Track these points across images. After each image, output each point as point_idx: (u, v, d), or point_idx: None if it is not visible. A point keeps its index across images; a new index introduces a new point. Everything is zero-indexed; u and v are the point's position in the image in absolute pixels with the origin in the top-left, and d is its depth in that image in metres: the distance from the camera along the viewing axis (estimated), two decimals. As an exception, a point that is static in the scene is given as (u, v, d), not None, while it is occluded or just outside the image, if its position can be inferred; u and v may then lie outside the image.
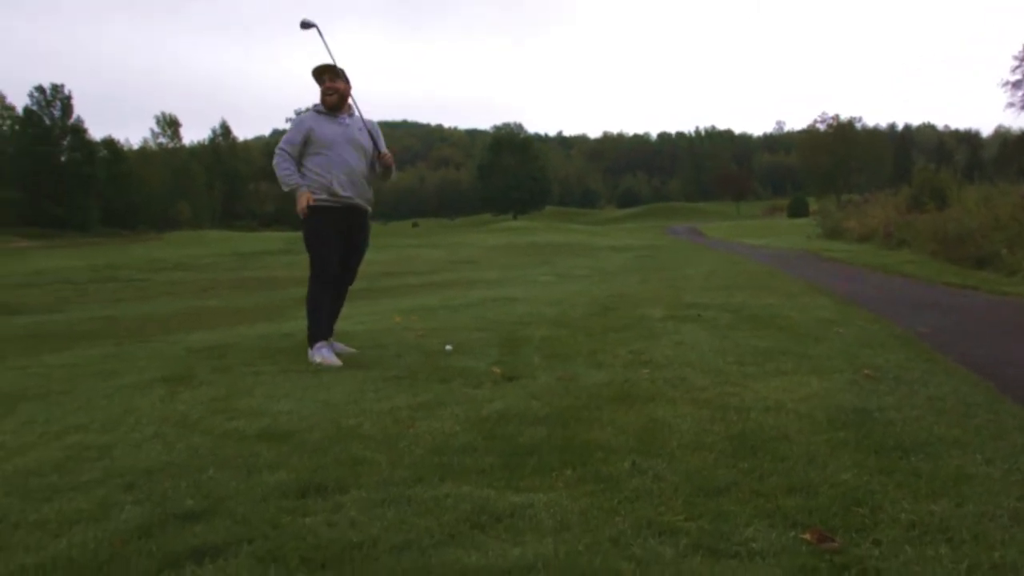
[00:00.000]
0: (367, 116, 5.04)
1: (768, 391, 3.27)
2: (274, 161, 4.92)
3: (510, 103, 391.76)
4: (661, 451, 2.42)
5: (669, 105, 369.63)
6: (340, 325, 5.23)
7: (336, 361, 4.58)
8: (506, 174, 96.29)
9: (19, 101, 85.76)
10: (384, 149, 5.04)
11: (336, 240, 4.87)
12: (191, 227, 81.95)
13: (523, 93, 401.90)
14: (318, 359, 4.60)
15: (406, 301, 9.15)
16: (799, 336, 4.89)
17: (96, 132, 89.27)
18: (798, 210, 64.07)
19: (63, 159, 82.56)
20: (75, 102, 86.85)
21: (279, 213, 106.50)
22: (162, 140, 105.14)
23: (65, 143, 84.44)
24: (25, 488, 2.40)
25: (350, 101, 5.01)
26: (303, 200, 4.79)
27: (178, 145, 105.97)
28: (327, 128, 4.90)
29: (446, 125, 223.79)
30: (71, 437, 3.01)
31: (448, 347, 4.93)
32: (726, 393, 3.23)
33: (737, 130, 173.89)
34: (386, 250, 27.66)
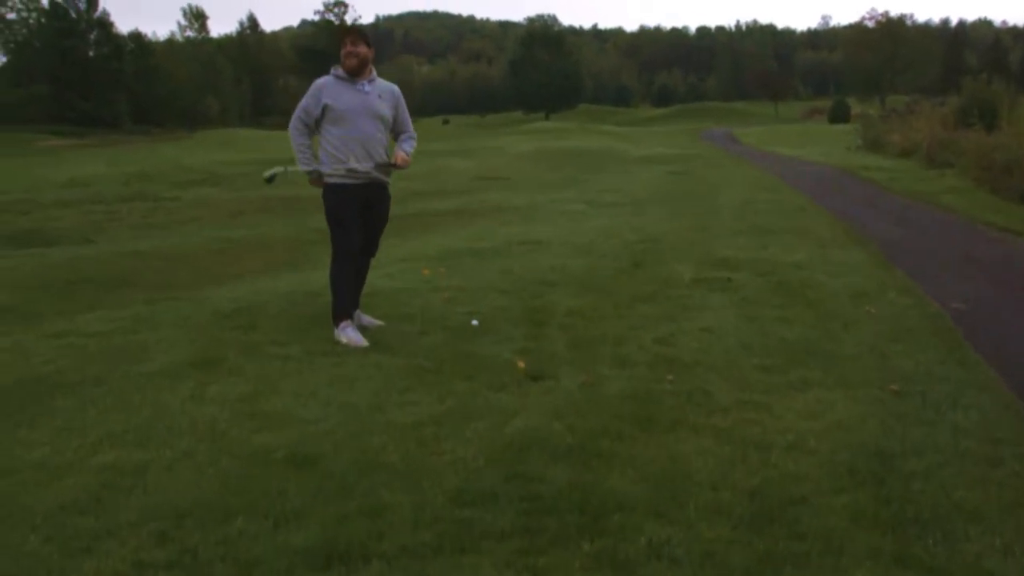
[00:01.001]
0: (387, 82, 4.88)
1: (791, 417, 3.25)
2: (289, 128, 4.86)
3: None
4: (679, 516, 2.43)
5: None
6: (369, 275, 5.21)
7: (361, 341, 4.61)
8: (538, 70, 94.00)
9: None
10: (405, 148, 4.90)
11: (355, 216, 4.82)
12: (220, 124, 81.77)
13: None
14: (343, 339, 4.64)
15: (435, 239, 9.12)
16: (828, 319, 4.83)
17: (123, 26, 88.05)
18: (839, 115, 61.81)
19: (90, 53, 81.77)
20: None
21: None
22: (189, 34, 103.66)
23: (92, 37, 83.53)
24: (64, 532, 2.49)
25: (374, 73, 4.86)
26: (315, 184, 4.81)
27: (205, 38, 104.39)
28: (345, 96, 4.76)
29: (478, 16, 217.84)
30: (106, 455, 3.09)
31: (474, 322, 4.94)
32: (748, 420, 3.22)
33: (779, 25, 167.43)
34: (418, 159, 27.37)
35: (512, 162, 24.21)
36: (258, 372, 4.09)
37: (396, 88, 4.93)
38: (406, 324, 5.01)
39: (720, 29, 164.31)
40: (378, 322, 5.03)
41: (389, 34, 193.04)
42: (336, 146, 4.74)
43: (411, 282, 6.43)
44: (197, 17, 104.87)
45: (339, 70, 4.81)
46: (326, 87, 4.83)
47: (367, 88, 4.78)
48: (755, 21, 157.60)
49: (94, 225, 12.16)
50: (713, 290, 5.73)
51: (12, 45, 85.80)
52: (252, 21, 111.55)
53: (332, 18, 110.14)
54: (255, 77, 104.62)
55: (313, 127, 4.83)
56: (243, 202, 14.71)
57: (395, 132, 4.94)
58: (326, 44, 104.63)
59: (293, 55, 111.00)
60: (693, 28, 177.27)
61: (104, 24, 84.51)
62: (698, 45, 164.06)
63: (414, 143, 5.02)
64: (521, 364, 4.04)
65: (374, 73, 4.86)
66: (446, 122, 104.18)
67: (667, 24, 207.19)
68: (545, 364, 4.05)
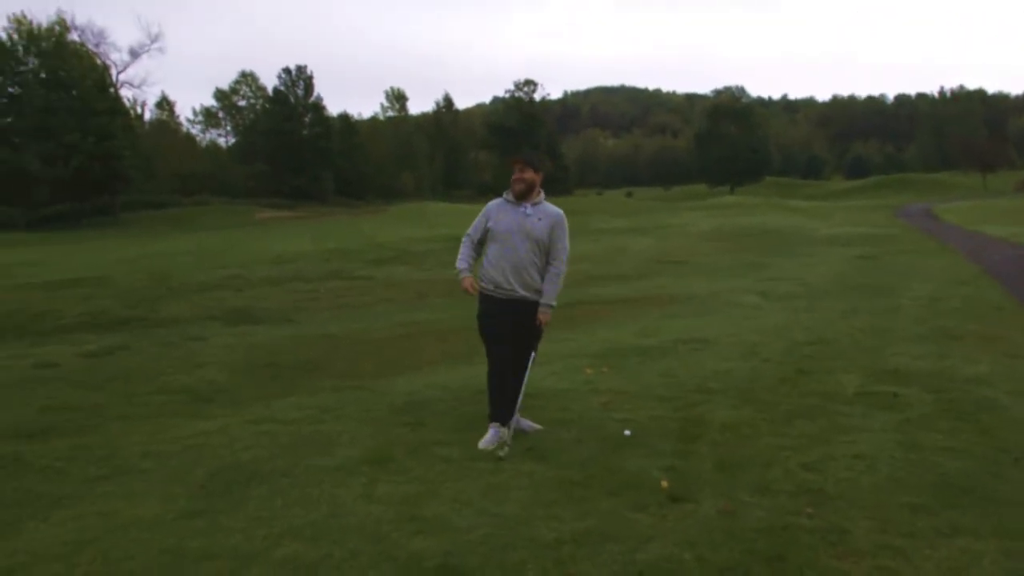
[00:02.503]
0: (548, 208, 5.19)
1: (930, 569, 3.17)
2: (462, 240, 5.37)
3: (732, 64, 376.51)
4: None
5: (908, 63, 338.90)
6: (535, 373, 5.48)
7: (489, 444, 4.96)
8: (724, 143, 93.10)
9: (269, 82, 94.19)
10: (558, 265, 5.16)
11: (501, 327, 5.15)
12: (415, 197, 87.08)
13: (746, 54, 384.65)
14: (480, 445, 4.99)
15: (602, 333, 9.38)
16: (999, 451, 4.58)
17: (333, 108, 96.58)
18: (1059, 185, 56.41)
19: (304, 134, 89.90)
20: (315, 80, 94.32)
21: (495, 182, 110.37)
22: (390, 113, 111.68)
23: (307, 119, 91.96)
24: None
25: (541, 197, 5.23)
26: (463, 285, 5.22)
27: (404, 117, 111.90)
28: (505, 217, 5.19)
29: (664, 89, 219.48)
30: (287, 547, 3.55)
31: (627, 432, 5.12)
32: (883, 569, 3.17)
33: (990, 89, 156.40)
34: (598, 237, 27.93)
35: (691, 242, 24.15)
36: (422, 474, 4.48)
37: (559, 213, 5.22)
38: (563, 430, 5.26)
39: (921, 96, 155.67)
40: (536, 426, 5.31)
41: (576, 109, 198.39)
42: (490, 262, 5.18)
43: (574, 382, 6.70)
44: (398, 98, 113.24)
45: (508, 194, 5.24)
46: (492, 209, 5.29)
47: (528, 211, 5.16)
48: (961, 87, 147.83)
49: (295, 304, 13.41)
50: (876, 408, 5.57)
51: (241, 128, 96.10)
52: (447, 100, 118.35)
53: (522, 96, 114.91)
54: (448, 152, 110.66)
55: (478, 246, 5.29)
56: (429, 284, 15.68)
57: (548, 258, 5.19)
58: (515, 121, 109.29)
59: (484, 131, 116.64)
60: (891, 96, 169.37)
61: (317, 107, 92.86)
62: (896, 114, 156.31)
63: (559, 280, 5.19)
64: (665, 484, 4.17)
65: (541, 196, 5.24)
66: (629, 195, 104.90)
67: (862, 93, 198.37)
68: (689, 484, 4.16)
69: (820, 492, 3.99)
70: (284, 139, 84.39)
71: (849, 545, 3.41)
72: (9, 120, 56.59)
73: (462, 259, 5.31)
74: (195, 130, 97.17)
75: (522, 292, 5.11)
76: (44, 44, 58.48)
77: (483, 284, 5.23)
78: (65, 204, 61.56)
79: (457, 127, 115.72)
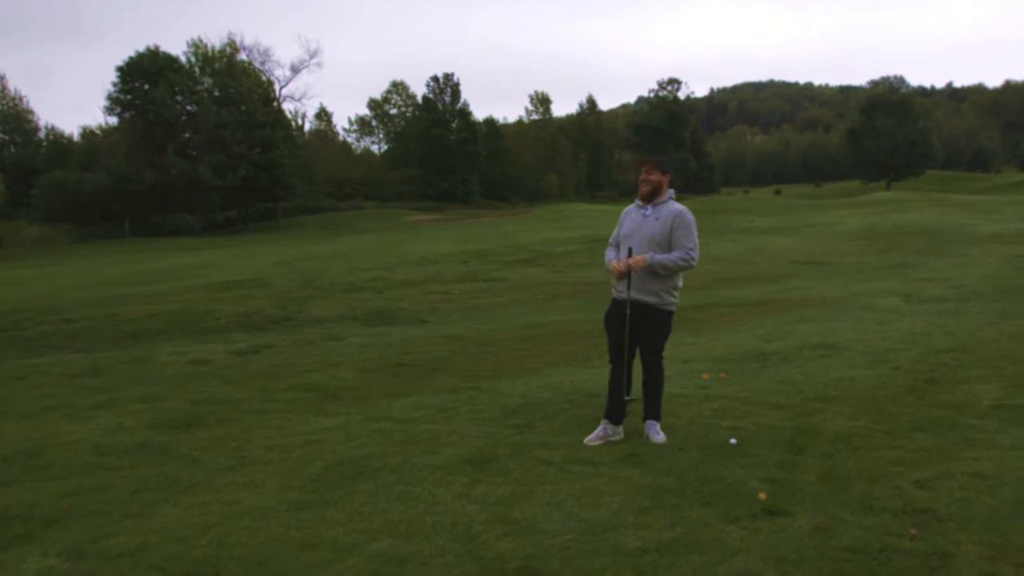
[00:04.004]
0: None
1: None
2: None
3: (890, 53, 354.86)
4: None
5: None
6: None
7: (596, 440, 5.17)
8: (880, 137, 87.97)
9: (419, 90, 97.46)
10: (683, 243, 5.05)
11: (621, 326, 5.19)
12: (559, 198, 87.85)
13: (906, 41, 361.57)
14: (587, 440, 5.16)
15: (725, 337, 9.17)
16: None
17: (479, 113, 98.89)
18: None
19: (452, 139, 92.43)
20: (463, 87, 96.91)
21: (639, 183, 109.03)
22: (535, 116, 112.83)
23: (454, 124, 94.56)
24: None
25: (666, 196, 5.21)
26: (611, 268, 5.24)
27: (548, 120, 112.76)
28: (630, 219, 5.28)
29: (816, 83, 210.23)
30: (381, 542, 3.75)
31: (733, 441, 5.03)
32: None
33: None
34: (737, 237, 27.14)
35: (836, 242, 23.04)
36: (521, 475, 4.58)
37: (680, 209, 5.14)
38: (669, 436, 5.23)
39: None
40: (662, 438, 5.21)
41: (723, 106, 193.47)
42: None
43: (688, 387, 6.62)
44: (542, 101, 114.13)
45: (637, 198, 5.29)
46: (625, 213, 5.36)
47: (649, 211, 5.18)
48: None
49: (430, 306, 13.88)
50: (1012, 422, 5.18)
51: (392, 135, 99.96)
52: (591, 102, 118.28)
53: (666, 94, 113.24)
54: (592, 154, 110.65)
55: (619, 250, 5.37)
56: (560, 285, 15.81)
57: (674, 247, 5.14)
58: (660, 120, 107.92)
59: (627, 132, 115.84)
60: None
61: (464, 113, 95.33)
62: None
63: (682, 256, 5.05)
64: (763, 495, 4.08)
65: (667, 196, 5.22)
66: (778, 192, 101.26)
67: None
68: (788, 497, 4.05)
69: (929, 512, 3.78)
70: (432, 144, 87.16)
71: (950, 572, 3.22)
72: (187, 135, 61.47)
73: (608, 259, 5.41)
74: (351, 138, 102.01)
75: (638, 296, 5.13)
76: (217, 64, 63.18)
77: (615, 287, 5.32)
78: (233, 211, 66.51)
79: (601, 128, 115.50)
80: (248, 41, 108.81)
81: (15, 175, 60.52)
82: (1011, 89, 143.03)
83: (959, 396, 5.88)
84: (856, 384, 6.38)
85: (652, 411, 5.32)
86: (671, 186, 5.26)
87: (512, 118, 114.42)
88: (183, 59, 61.49)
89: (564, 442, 5.21)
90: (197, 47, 62.41)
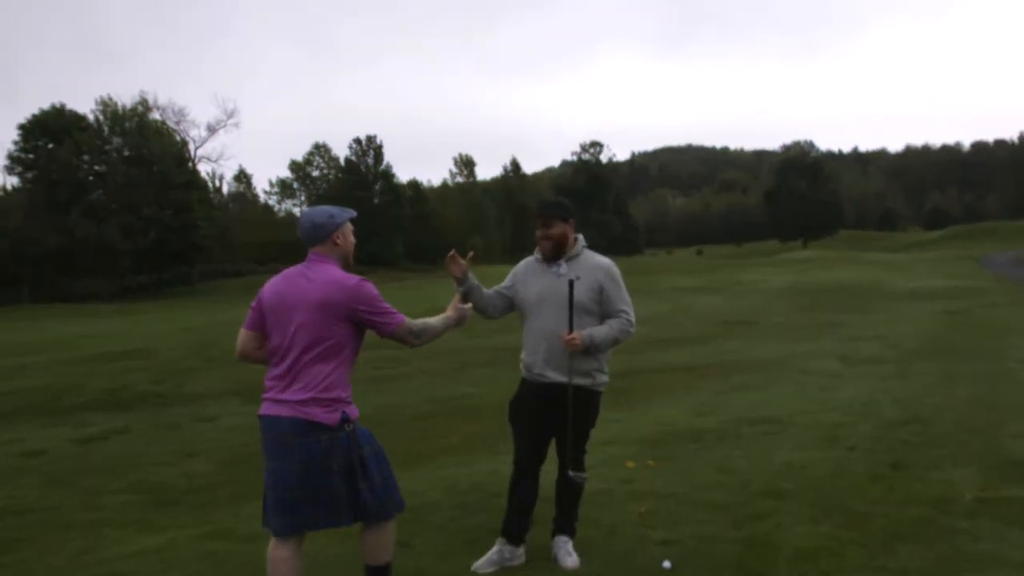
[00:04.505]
0: (585, 265, 3.95)
1: None
2: None
3: (800, 119, 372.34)
4: None
5: (984, 109, 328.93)
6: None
7: (486, 568, 3.93)
8: (795, 198, 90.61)
9: (341, 152, 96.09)
10: (598, 330, 3.88)
11: (533, 419, 4.00)
12: (484, 261, 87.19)
13: (814, 108, 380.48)
14: (474, 566, 3.94)
15: (653, 410, 8.05)
16: None
17: (403, 175, 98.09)
18: None
19: (376, 201, 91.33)
20: (386, 150, 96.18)
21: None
22: (459, 179, 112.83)
23: (377, 187, 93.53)
24: None
25: (578, 247, 4.03)
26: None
27: (473, 183, 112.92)
28: (534, 282, 4.04)
29: (732, 147, 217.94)
30: None
31: (666, 564, 3.84)
32: None
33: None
34: (663, 296, 26.51)
35: (763, 300, 22.53)
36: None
37: (605, 263, 4.02)
38: (586, 555, 4.00)
39: (1000, 143, 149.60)
40: (575, 563, 3.98)
41: (644, 169, 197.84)
42: (525, 342, 4.04)
43: (610, 479, 5.42)
44: (466, 164, 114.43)
45: (538, 252, 4.12)
46: (519, 270, 4.18)
47: (562, 270, 3.98)
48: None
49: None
50: (1008, 522, 4.14)
51: (315, 198, 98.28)
52: (515, 165, 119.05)
53: (589, 157, 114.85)
54: (516, 216, 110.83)
55: (496, 296, 4.17)
56: (475, 351, 14.56)
57: (605, 315, 3.96)
58: (583, 183, 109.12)
59: (552, 194, 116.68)
60: (967, 144, 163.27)
61: (387, 175, 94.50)
62: (974, 162, 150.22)
63: (622, 327, 3.93)
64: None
65: (578, 247, 4.05)
66: (700, 252, 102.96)
67: (936, 142, 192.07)
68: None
69: None
70: (356, 207, 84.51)
71: None
72: (94, 196, 58.64)
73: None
74: (272, 200, 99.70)
75: (558, 377, 3.90)
76: (128, 124, 60.81)
77: (524, 369, 4.09)
78: (146, 275, 63.38)
79: (525, 191, 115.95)
80: (162, 100, 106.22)
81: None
82: (912, 153, 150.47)
83: (933, 487, 4.83)
84: (810, 472, 5.29)
85: (566, 524, 4.11)
86: (576, 232, 4.12)
87: (436, 180, 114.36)
88: (91, 117, 59.05)
89: (447, 571, 3.93)
90: (106, 105, 60.05)
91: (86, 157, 57.71)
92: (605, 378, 4.05)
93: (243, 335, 3.39)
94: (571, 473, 4.01)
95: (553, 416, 3.96)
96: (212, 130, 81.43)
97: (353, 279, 3.26)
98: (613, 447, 6.40)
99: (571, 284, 3.84)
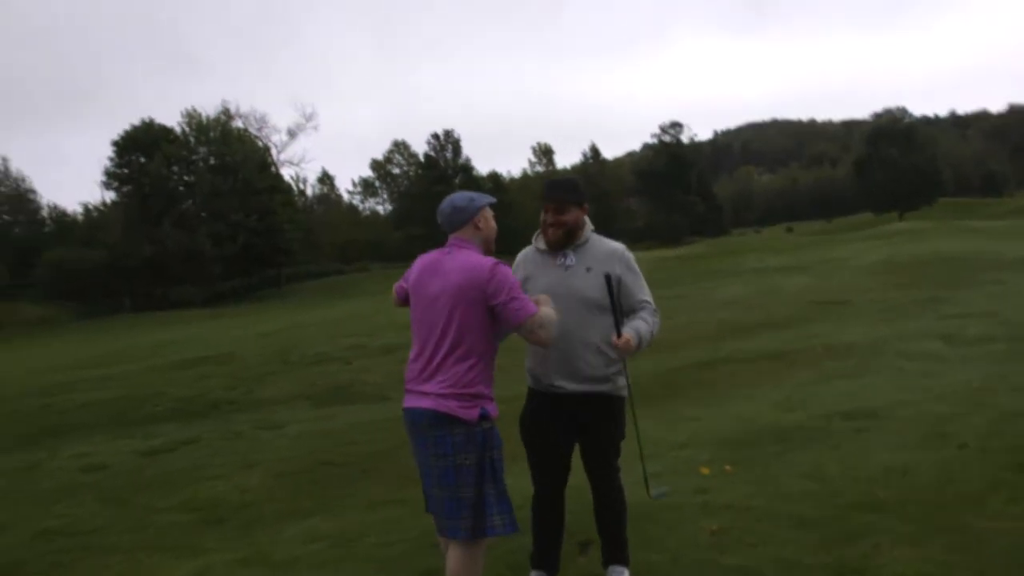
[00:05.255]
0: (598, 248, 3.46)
1: None
2: None
3: (891, 86, 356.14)
4: None
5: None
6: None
7: None
8: (887, 168, 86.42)
9: (420, 148, 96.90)
10: (638, 297, 3.44)
11: (550, 439, 3.50)
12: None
13: (905, 73, 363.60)
14: None
15: (735, 406, 7.39)
16: None
17: (482, 167, 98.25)
18: None
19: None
20: (464, 143, 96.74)
21: (649, 228, 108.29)
22: (538, 168, 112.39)
23: (456, 181, 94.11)
24: None
25: (587, 233, 3.56)
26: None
27: (552, 171, 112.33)
28: (538, 276, 3.52)
29: (819, 119, 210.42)
30: None
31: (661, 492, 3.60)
32: None
33: None
34: (747, 278, 25.41)
35: (855, 277, 21.23)
36: None
37: (618, 249, 3.52)
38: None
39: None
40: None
41: (728, 147, 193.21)
42: (530, 348, 3.51)
43: (682, 490, 4.84)
44: (545, 153, 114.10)
45: (539, 239, 3.61)
46: (523, 262, 3.67)
47: (571, 260, 3.48)
48: None
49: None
50: None
51: (396, 195, 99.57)
52: (594, 151, 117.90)
53: (668, 139, 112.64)
54: (597, 202, 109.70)
55: None
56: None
57: (625, 312, 3.48)
58: (664, 165, 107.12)
59: (632, 178, 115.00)
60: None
61: (467, 169, 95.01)
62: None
63: (655, 320, 3.46)
64: None
65: (587, 233, 3.54)
66: (789, 230, 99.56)
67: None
68: None
69: None
70: (435, 202, 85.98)
71: None
72: (184, 206, 60.70)
73: None
74: (356, 200, 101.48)
75: (572, 386, 3.40)
76: (212, 133, 62.71)
77: (528, 376, 3.62)
78: (236, 280, 65.22)
79: (605, 176, 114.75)
80: (244, 108, 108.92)
81: (19, 255, 59.90)
82: (1016, 112, 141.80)
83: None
84: (913, 478, 4.60)
85: (616, 553, 3.59)
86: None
87: (515, 171, 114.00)
88: (178, 129, 61.08)
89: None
90: (191, 117, 62.08)
91: (175, 168, 59.79)
92: (625, 380, 3.51)
93: (395, 300, 3.50)
94: (652, 494, 3.62)
95: (572, 431, 3.49)
96: (292, 134, 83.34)
97: (489, 261, 3.14)
98: (687, 451, 5.82)
99: (608, 279, 3.38)
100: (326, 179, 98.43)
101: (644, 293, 3.49)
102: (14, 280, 57.88)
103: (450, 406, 3.07)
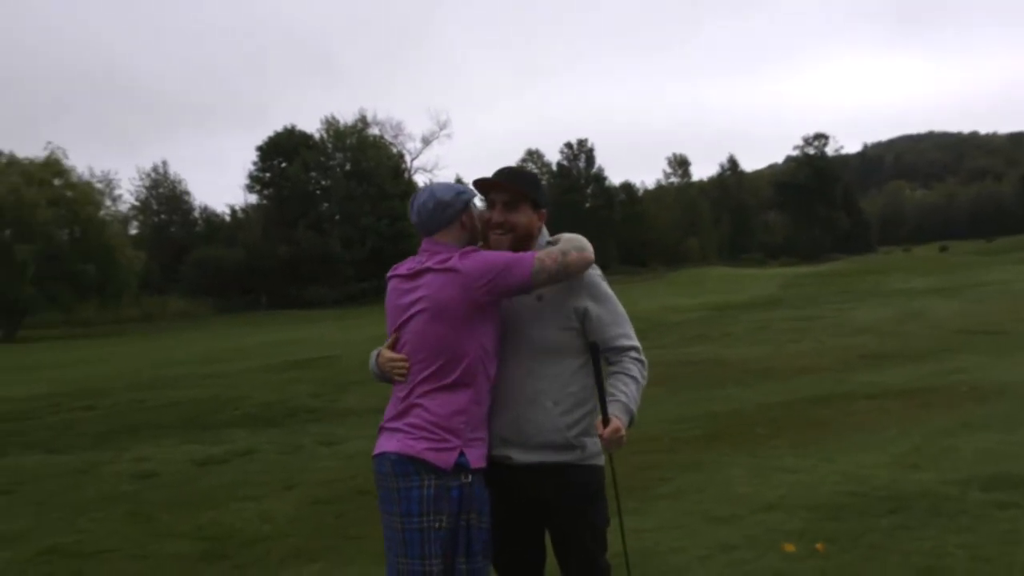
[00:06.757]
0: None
1: None
2: None
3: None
4: None
5: None
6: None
7: None
8: (1062, 185, 78.86)
9: (553, 157, 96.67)
10: (613, 334, 2.52)
11: (510, 525, 2.56)
12: (702, 262, 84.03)
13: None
14: None
15: (845, 455, 6.14)
16: None
17: (615, 177, 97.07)
18: None
19: (587, 205, 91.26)
20: (596, 153, 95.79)
21: (787, 243, 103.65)
22: (673, 179, 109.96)
23: (589, 191, 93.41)
24: None
25: (539, 246, 2.58)
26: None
27: (688, 183, 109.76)
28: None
29: (981, 131, 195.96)
30: None
31: None
32: None
33: None
34: (888, 300, 23.28)
35: (1015, 304, 18.85)
36: None
37: (594, 276, 2.58)
38: None
39: None
40: None
41: (878, 160, 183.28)
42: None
43: (751, 573, 3.80)
44: (680, 163, 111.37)
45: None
46: None
47: None
48: None
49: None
50: None
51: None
52: (732, 162, 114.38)
53: (812, 152, 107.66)
54: (734, 215, 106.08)
55: None
56: (653, 366, 12.96)
57: (601, 350, 2.53)
58: (806, 177, 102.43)
59: (771, 191, 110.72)
60: None
61: (599, 178, 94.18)
62: None
63: (642, 371, 2.53)
64: None
65: (542, 239, 2.63)
66: (943, 249, 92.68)
67: None
68: None
69: None
70: (567, 211, 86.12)
71: None
72: (320, 209, 62.76)
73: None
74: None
75: (521, 456, 2.50)
76: (349, 140, 64.60)
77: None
78: (367, 282, 66.82)
79: (743, 189, 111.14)
80: (380, 116, 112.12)
81: (172, 252, 63.63)
82: None
83: None
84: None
85: None
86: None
87: (649, 182, 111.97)
88: (317, 136, 63.27)
89: None
90: (330, 124, 64.15)
91: (313, 173, 61.87)
92: (597, 444, 2.51)
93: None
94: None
95: (533, 514, 2.56)
96: (426, 142, 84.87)
97: (456, 252, 2.46)
98: (774, 515, 4.70)
99: (595, 348, 2.47)
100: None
101: (621, 326, 2.54)
102: (165, 276, 61.53)
103: (418, 448, 2.37)
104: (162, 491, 6.84)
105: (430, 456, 2.35)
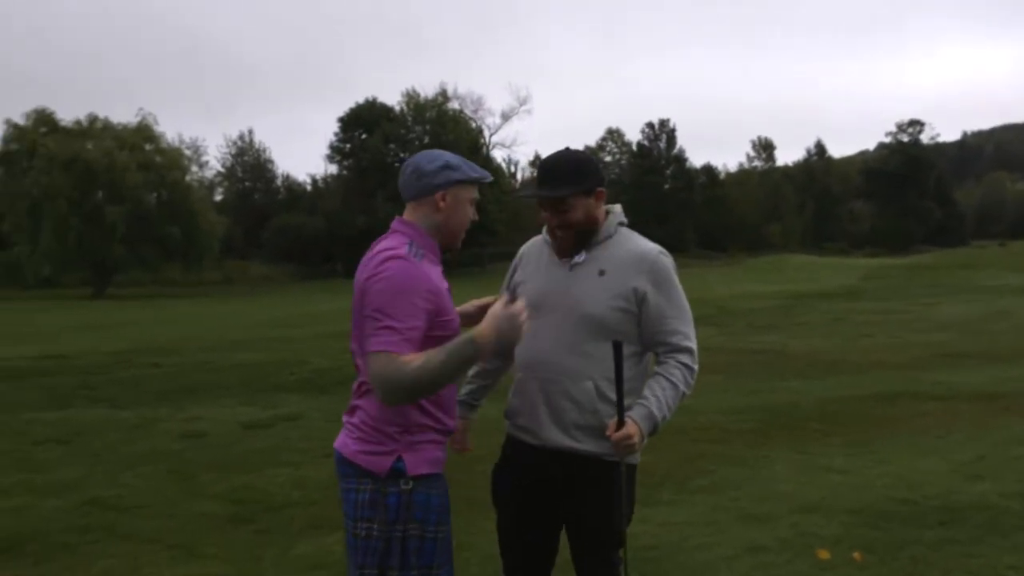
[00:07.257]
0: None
1: None
2: None
3: None
4: None
5: None
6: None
7: None
8: None
9: (633, 136, 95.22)
10: (673, 363, 2.35)
11: (523, 507, 2.47)
12: (783, 249, 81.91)
13: None
14: None
15: (904, 458, 5.79)
16: None
17: (696, 160, 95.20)
18: None
19: (666, 187, 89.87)
20: (678, 134, 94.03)
21: (874, 233, 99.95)
22: (756, 163, 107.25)
23: (669, 172, 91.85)
24: None
25: (610, 224, 2.48)
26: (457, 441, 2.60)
27: (772, 167, 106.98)
28: (541, 274, 2.50)
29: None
30: None
31: None
32: None
33: None
34: (975, 296, 22.12)
35: (1117, 308, 17.66)
36: None
37: (649, 252, 2.44)
38: None
39: None
40: None
41: (977, 150, 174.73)
42: (513, 366, 2.52)
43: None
44: (765, 147, 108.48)
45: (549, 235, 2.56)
46: (526, 254, 2.66)
47: (579, 256, 2.43)
48: None
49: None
50: None
51: (607, 182, 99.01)
52: (819, 148, 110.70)
53: (906, 139, 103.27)
54: (819, 202, 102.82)
55: None
56: (716, 352, 12.57)
57: (646, 345, 2.41)
58: (897, 165, 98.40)
59: (860, 179, 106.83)
60: None
61: (680, 160, 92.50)
62: None
63: (686, 378, 2.37)
64: None
65: (610, 225, 2.49)
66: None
67: None
68: None
69: None
70: (646, 192, 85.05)
71: None
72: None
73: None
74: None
75: (560, 439, 2.36)
76: (429, 114, 64.97)
77: (506, 419, 2.60)
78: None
79: (830, 175, 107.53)
80: (461, 90, 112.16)
81: (255, 219, 65.46)
82: None
83: None
84: None
85: None
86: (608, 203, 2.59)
87: (732, 164, 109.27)
88: (397, 108, 63.81)
89: None
90: (411, 97, 64.53)
91: (392, 145, 62.45)
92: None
93: None
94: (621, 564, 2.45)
95: (553, 502, 2.42)
96: (506, 117, 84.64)
97: (386, 252, 2.22)
98: (813, 517, 4.44)
99: (617, 347, 2.22)
100: (537, 163, 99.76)
101: (681, 323, 2.37)
102: (248, 241, 63.39)
103: (352, 449, 2.22)
104: (206, 451, 6.95)
105: (362, 460, 2.19)
